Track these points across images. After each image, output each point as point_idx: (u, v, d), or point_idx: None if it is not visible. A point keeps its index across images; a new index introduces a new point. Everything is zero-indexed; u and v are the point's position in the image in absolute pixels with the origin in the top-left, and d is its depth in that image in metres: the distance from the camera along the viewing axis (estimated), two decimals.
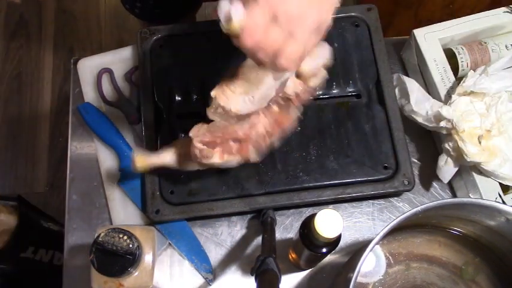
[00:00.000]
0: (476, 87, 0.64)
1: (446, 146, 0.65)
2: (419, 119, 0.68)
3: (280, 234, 0.69)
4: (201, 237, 0.68)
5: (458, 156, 0.64)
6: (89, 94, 0.75)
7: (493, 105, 0.64)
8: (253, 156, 0.56)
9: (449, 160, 0.65)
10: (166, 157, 0.59)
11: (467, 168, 0.66)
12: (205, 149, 0.54)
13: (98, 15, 1.79)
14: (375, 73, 0.72)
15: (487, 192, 0.64)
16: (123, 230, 0.55)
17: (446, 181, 0.67)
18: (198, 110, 0.70)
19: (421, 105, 0.67)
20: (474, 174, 0.65)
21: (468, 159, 0.62)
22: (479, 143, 0.64)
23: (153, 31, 0.73)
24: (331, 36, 0.73)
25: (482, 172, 0.65)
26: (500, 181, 0.64)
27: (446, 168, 0.65)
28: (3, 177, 1.58)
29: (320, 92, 0.71)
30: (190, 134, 0.55)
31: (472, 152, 0.62)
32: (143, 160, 0.57)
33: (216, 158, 0.55)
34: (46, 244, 1.07)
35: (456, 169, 0.65)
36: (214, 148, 0.54)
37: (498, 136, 0.64)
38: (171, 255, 0.68)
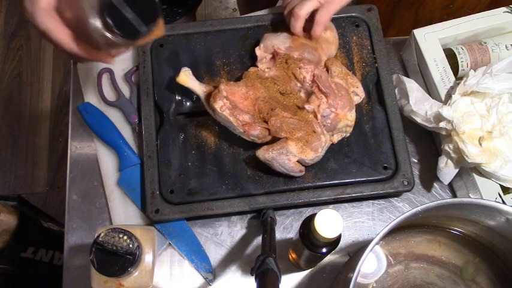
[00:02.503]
0: (479, 86, 0.64)
1: (446, 148, 0.65)
2: (419, 119, 0.68)
3: (280, 234, 0.69)
4: (201, 237, 0.68)
5: (459, 158, 0.64)
6: (89, 94, 0.75)
7: (494, 107, 0.64)
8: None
9: (450, 162, 0.65)
10: (199, 90, 0.66)
11: (467, 169, 0.66)
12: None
13: None
14: (375, 73, 0.72)
15: (487, 192, 0.64)
16: (123, 230, 0.55)
17: (446, 183, 0.67)
18: (198, 110, 0.70)
19: (420, 105, 0.67)
20: (474, 174, 0.65)
21: (469, 160, 0.62)
22: (480, 144, 0.64)
23: None
24: None
25: (482, 173, 0.65)
26: (501, 183, 0.64)
27: (447, 170, 0.65)
28: (3, 177, 1.58)
29: None
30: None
31: (473, 153, 0.62)
32: (185, 78, 0.66)
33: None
34: (46, 244, 1.07)
35: (456, 170, 0.65)
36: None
37: (499, 137, 0.64)
38: (171, 255, 0.68)
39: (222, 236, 0.69)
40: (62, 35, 0.49)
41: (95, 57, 0.53)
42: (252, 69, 0.67)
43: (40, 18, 0.48)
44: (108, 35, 0.48)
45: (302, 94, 0.66)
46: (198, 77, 0.72)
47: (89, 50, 0.51)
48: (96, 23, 0.47)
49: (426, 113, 0.66)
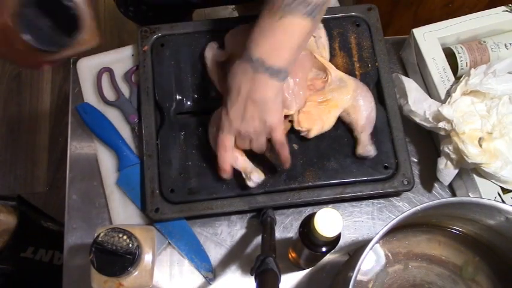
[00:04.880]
0: (482, 86, 0.64)
1: (446, 149, 0.65)
2: (417, 119, 0.68)
3: (279, 233, 0.69)
4: (201, 236, 0.68)
5: (459, 159, 0.64)
6: (89, 94, 0.75)
7: (494, 107, 0.64)
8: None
9: (449, 163, 0.65)
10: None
11: (467, 170, 0.66)
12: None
13: (98, 15, 1.79)
14: (375, 73, 0.72)
15: (486, 191, 0.64)
16: (122, 229, 0.55)
17: (446, 183, 0.67)
18: (198, 109, 0.70)
19: (419, 105, 0.67)
20: (474, 174, 0.65)
21: (469, 161, 0.62)
22: (480, 145, 0.64)
23: (154, 30, 0.73)
24: (332, 36, 0.73)
25: (482, 175, 0.65)
26: (501, 184, 0.64)
27: (447, 171, 0.65)
28: (3, 177, 1.58)
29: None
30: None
31: (473, 153, 0.62)
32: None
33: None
34: (46, 244, 1.07)
35: (456, 171, 0.65)
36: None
37: (499, 138, 0.64)
38: (171, 254, 0.68)
39: (221, 236, 0.69)
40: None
41: (26, 63, 0.52)
42: None
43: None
44: (30, 44, 0.47)
45: None
46: (198, 76, 0.72)
47: (20, 55, 0.50)
48: (17, 32, 0.46)
49: (425, 113, 0.66)
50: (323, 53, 0.70)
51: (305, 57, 0.66)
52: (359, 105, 0.67)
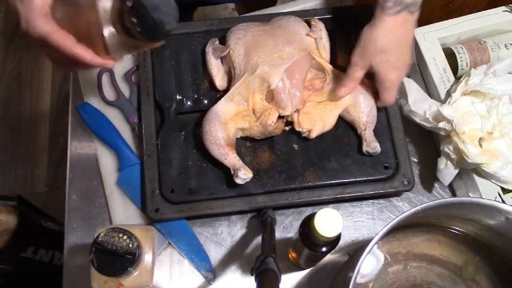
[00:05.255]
0: (483, 86, 0.64)
1: (446, 149, 0.65)
2: (417, 119, 0.68)
3: (280, 233, 0.69)
4: (201, 236, 0.68)
5: (459, 159, 0.64)
6: (89, 94, 0.75)
7: (494, 107, 0.64)
8: None
9: (449, 163, 0.65)
10: None
11: (467, 170, 0.66)
12: None
13: None
14: None
15: (486, 191, 0.64)
16: (122, 229, 0.55)
17: (447, 183, 0.67)
18: (198, 109, 0.70)
19: (419, 105, 0.67)
20: (474, 174, 0.65)
21: (469, 161, 0.62)
22: (480, 145, 0.64)
23: None
24: (332, 36, 0.73)
25: (482, 175, 0.65)
26: (501, 184, 0.64)
27: (447, 171, 0.65)
28: (3, 177, 1.58)
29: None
30: None
31: (473, 153, 0.62)
32: None
33: None
34: (46, 244, 1.07)
35: (456, 171, 0.65)
36: None
37: (500, 138, 0.64)
38: (171, 254, 0.68)
39: (222, 236, 0.69)
40: (63, 36, 0.47)
41: (97, 61, 0.51)
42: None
43: (37, 21, 0.46)
44: (125, 37, 0.47)
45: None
46: (198, 76, 0.72)
47: (91, 53, 0.49)
48: (110, 26, 0.47)
49: (425, 113, 0.66)
50: (323, 54, 0.70)
51: (303, 59, 0.66)
52: (359, 103, 0.67)
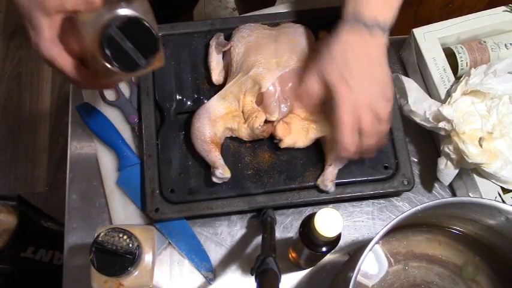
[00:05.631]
0: (483, 86, 0.64)
1: (446, 149, 0.65)
2: (417, 119, 0.68)
3: (280, 233, 0.69)
4: (201, 236, 0.68)
5: (459, 159, 0.64)
6: (89, 94, 0.75)
7: (494, 107, 0.64)
8: None
9: (449, 163, 0.65)
10: None
11: (467, 170, 0.66)
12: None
13: None
14: None
15: (486, 191, 0.64)
16: (122, 229, 0.54)
17: (447, 183, 0.67)
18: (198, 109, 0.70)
19: (419, 105, 0.67)
20: (474, 174, 0.65)
21: (469, 161, 0.62)
22: (480, 145, 0.64)
23: None
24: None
25: (482, 175, 0.65)
26: (501, 184, 0.64)
27: (447, 171, 0.65)
28: (3, 177, 1.58)
29: None
30: None
31: (473, 153, 0.62)
32: None
33: None
34: (46, 244, 1.07)
35: (456, 171, 0.65)
36: None
37: (500, 138, 0.64)
38: (171, 254, 0.68)
39: (222, 236, 0.69)
40: (65, 62, 0.51)
41: (95, 85, 0.56)
42: None
43: (44, 46, 0.50)
44: (108, 65, 0.49)
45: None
46: (198, 76, 0.72)
47: (89, 78, 0.53)
48: (97, 54, 0.48)
49: (425, 113, 0.66)
50: None
51: (300, 70, 0.66)
52: None
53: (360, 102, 0.55)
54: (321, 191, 0.66)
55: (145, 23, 0.49)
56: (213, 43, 0.71)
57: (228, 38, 0.72)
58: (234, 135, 0.68)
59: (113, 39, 0.48)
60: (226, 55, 0.71)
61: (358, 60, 0.55)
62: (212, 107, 0.66)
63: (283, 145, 0.66)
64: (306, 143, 0.67)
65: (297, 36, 0.69)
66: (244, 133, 0.66)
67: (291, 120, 0.66)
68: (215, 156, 0.64)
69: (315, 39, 0.71)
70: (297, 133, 0.66)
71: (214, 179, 0.63)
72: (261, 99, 0.66)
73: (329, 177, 0.65)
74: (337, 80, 0.55)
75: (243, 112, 0.66)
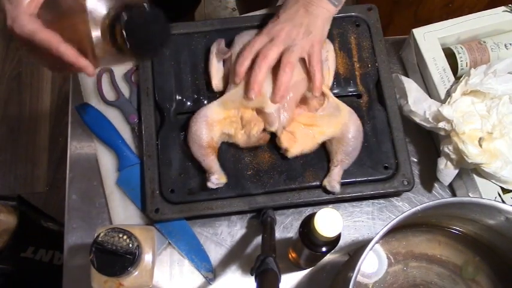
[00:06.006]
0: (483, 86, 0.64)
1: (446, 149, 0.65)
2: (417, 119, 0.68)
3: (280, 233, 0.69)
4: (201, 236, 0.68)
5: (459, 159, 0.64)
6: (89, 94, 0.75)
7: (494, 107, 0.64)
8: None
9: (449, 163, 0.65)
10: None
11: (467, 170, 0.66)
12: None
13: None
14: (375, 73, 0.72)
15: (486, 191, 0.64)
16: (122, 229, 0.55)
17: (447, 183, 0.67)
18: (198, 109, 0.70)
19: (419, 105, 0.67)
20: (474, 174, 0.65)
21: (469, 161, 0.62)
22: (480, 145, 0.64)
23: None
24: (332, 36, 0.73)
25: (482, 175, 0.65)
26: (501, 184, 0.64)
27: (447, 171, 0.65)
28: (3, 177, 1.58)
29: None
30: None
31: (473, 153, 0.62)
32: None
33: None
34: (46, 244, 1.07)
35: (456, 171, 0.65)
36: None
37: (500, 138, 0.64)
38: (171, 254, 0.68)
39: (222, 236, 0.69)
40: (49, 35, 0.48)
41: (81, 62, 0.51)
42: None
43: (23, 20, 0.47)
44: (111, 48, 0.49)
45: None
46: (198, 76, 0.72)
47: (76, 53, 0.50)
48: (97, 32, 0.48)
49: (425, 113, 0.67)
50: (326, 77, 0.68)
51: (301, 82, 0.66)
52: (346, 140, 0.65)
53: (280, 27, 0.64)
54: (327, 192, 0.66)
55: (160, 14, 0.50)
56: (213, 50, 0.70)
57: (229, 43, 0.72)
58: (230, 141, 0.67)
59: (132, 24, 0.48)
60: (227, 62, 0.70)
61: (296, 11, 0.64)
62: (210, 111, 0.66)
63: (290, 155, 0.65)
64: (313, 147, 0.67)
65: None
66: (240, 140, 0.66)
67: (294, 128, 0.66)
68: (211, 161, 0.64)
69: None
70: (303, 140, 0.66)
71: (210, 185, 0.63)
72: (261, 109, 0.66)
73: (336, 177, 0.65)
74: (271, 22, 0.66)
75: (241, 119, 0.66)
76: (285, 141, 0.65)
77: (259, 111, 0.66)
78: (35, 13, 0.48)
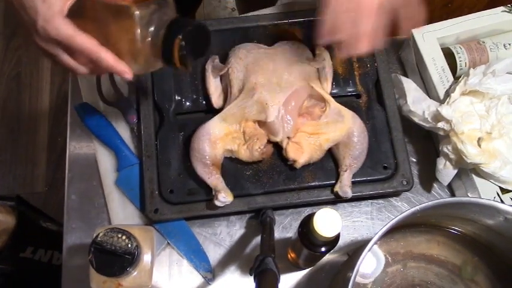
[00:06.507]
0: (482, 86, 0.64)
1: (445, 149, 0.65)
2: (416, 119, 0.68)
3: (279, 233, 0.69)
4: (200, 236, 0.68)
5: (458, 159, 0.64)
6: (88, 94, 0.75)
7: (493, 107, 0.64)
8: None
9: (448, 163, 0.65)
10: None
11: (466, 170, 0.66)
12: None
13: None
14: (374, 73, 0.72)
15: (485, 191, 0.64)
16: (121, 229, 0.54)
17: (446, 183, 0.67)
18: (198, 109, 0.70)
19: (418, 105, 0.67)
20: (473, 174, 0.65)
21: (468, 161, 0.62)
22: (479, 145, 0.64)
23: None
24: None
25: (481, 175, 0.65)
26: (500, 184, 0.64)
27: (446, 171, 0.65)
28: (3, 177, 1.58)
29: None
30: None
31: (472, 153, 0.62)
32: None
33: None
34: (45, 244, 1.07)
35: (455, 171, 0.65)
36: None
37: (499, 138, 0.64)
38: (170, 254, 0.68)
39: (221, 236, 0.69)
40: (88, 39, 0.46)
41: (119, 66, 0.50)
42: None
43: (59, 22, 0.45)
44: (152, 57, 0.52)
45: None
46: (197, 76, 0.72)
47: (115, 57, 0.49)
48: (143, 40, 0.50)
49: (424, 113, 0.67)
50: (324, 85, 0.69)
51: (302, 89, 0.66)
52: (352, 144, 0.65)
53: None
54: (339, 197, 0.65)
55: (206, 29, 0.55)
56: (209, 67, 0.70)
57: (223, 56, 0.71)
58: (233, 156, 0.67)
59: (190, 35, 0.51)
60: (224, 78, 0.70)
61: None
62: (212, 128, 0.65)
63: (298, 166, 0.65)
64: (320, 156, 0.66)
65: (293, 54, 0.69)
66: (243, 155, 0.65)
67: (299, 138, 0.65)
68: (216, 179, 0.64)
69: (312, 54, 0.71)
70: (310, 149, 0.65)
71: (217, 203, 0.62)
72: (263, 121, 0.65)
73: (346, 182, 0.65)
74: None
75: (244, 133, 0.66)
76: (291, 152, 0.64)
77: (262, 124, 0.65)
78: (66, 13, 0.46)
